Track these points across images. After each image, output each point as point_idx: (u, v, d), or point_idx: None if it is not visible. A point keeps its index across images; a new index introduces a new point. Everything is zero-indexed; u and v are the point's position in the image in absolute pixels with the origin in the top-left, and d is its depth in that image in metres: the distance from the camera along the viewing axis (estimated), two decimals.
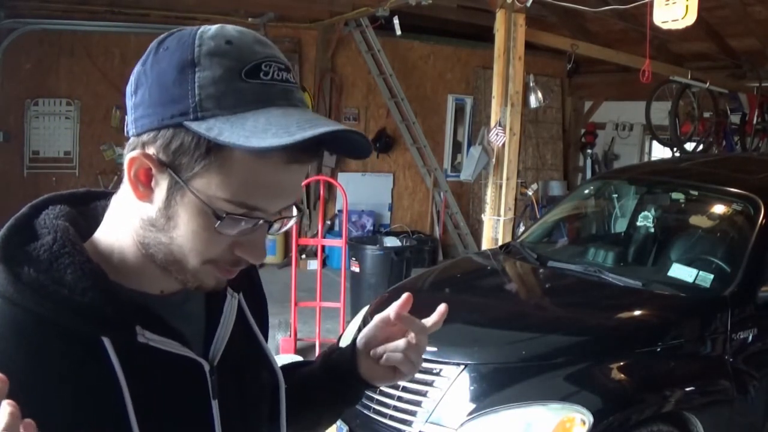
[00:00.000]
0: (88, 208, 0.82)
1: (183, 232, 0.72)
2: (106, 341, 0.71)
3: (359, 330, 3.01)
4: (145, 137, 0.70)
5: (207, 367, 0.80)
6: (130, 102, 0.72)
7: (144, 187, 0.71)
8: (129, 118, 0.72)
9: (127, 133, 0.73)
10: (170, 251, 0.73)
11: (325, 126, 0.68)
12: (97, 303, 0.70)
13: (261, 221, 0.72)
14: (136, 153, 0.70)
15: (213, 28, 0.71)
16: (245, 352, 0.88)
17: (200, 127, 0.67)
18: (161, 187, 0.71)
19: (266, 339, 0.95)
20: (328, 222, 8.02)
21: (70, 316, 0.69)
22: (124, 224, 0.75)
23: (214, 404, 0.80)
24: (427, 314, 0.92)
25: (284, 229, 0.77)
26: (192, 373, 0.79)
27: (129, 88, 0.73)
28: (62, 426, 0.67)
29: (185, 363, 0.77)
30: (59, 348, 0.69)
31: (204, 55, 0.68)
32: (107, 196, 0.82)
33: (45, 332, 0.68)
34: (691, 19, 4.04)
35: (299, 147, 0.66)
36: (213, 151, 0.68)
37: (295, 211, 0.77)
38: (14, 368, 0.61)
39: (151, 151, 0.70)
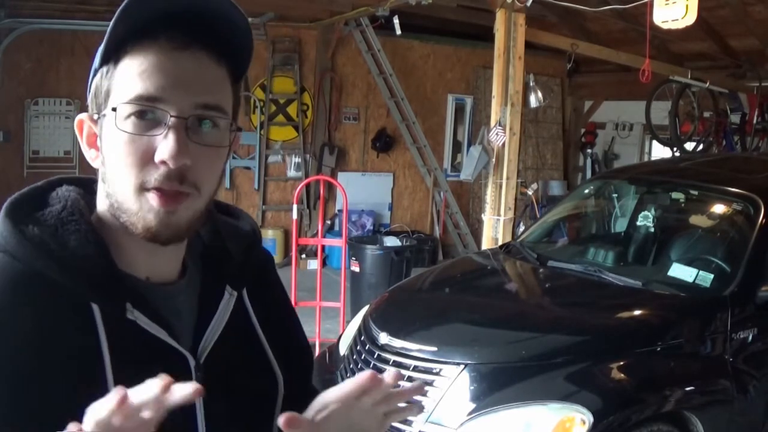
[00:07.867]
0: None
1: (111, 161, 0.73)
2: (95, 308, 0.71)
3: (354, 339, 3.00)
4: (87, 104, 0.77)
5: (192, 362, 0.78)
6: None
7: (94, 149, 0.76)
8: None
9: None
10: (115, 197, 0.73)
11: None
12: (95, 270, 0.72)
13: (170, 117, 0.70)
14: (77, 117, 0.77)
15: None
16: (243, 354, 0.85)
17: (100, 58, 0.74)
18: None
19: (293, 340, 0.94)
20: (328, 222, 8.02)
21: (65, 275, 0.71)
22: (102, 200, 0.77)
23: (198, 401, 0.77)
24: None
25: (229, 142, 0.77)
26: (177, 365, 0.76)
27: None
28: (44, 378, 0.67)
29: (170, 352, 0.76)
30: (51, 305, 0.70)
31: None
32: None
33: (40, 289, 0.70)
34: (691, 18, 4.04)
35: (175, 33, 0.71)
36: (110, 70, 0.72)
37: (215, 115, 0.74)
38: (6, 319, 0.66)
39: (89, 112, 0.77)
